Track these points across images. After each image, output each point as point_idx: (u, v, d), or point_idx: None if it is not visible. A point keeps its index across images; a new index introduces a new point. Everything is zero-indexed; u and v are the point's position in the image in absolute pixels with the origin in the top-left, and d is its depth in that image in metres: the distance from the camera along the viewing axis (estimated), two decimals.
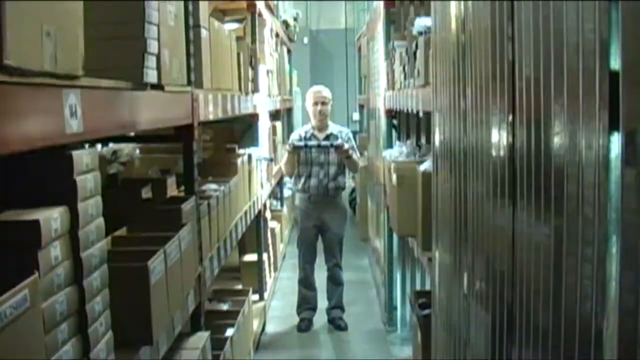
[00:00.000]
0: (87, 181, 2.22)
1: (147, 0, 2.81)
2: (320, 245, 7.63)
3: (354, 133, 8.42)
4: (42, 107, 1.83)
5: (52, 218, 2.00)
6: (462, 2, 2.81)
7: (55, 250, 2.01)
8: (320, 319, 7.56)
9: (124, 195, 3.58)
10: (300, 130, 7.68)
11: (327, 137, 7.42)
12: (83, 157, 2.19)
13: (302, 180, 7.43)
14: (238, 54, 5.53)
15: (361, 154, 8.93)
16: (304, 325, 7.42)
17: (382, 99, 7.63)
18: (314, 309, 7.58)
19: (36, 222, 1.92)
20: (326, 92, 7.65)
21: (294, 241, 9.67)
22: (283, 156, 7.69)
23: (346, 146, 7.23)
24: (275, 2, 10.00)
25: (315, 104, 7.53)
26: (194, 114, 3.76)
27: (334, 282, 7.55)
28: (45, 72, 1.82)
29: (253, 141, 7.28)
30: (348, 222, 7.99)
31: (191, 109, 3.71)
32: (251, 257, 7.69)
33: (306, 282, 7.54)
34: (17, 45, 1.63)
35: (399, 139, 7.28)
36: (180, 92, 3.50)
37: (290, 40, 12.89)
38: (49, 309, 1.94)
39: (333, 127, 7.59)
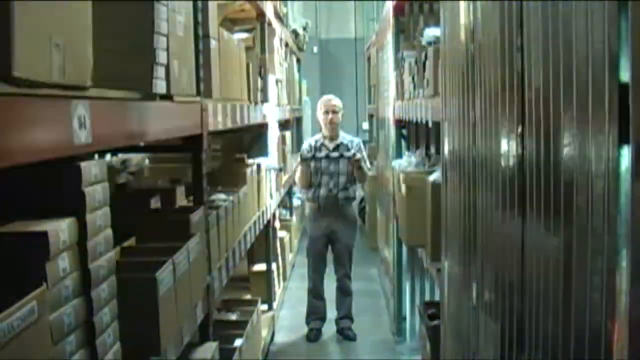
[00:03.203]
0: (96, 192, 2.22)
1: (156, 11, 2.81)
2: (330, 255, 7.62)
3: (364, 143, 8.42)
4: (51, 118, 1.83)
5: (60, 229, 2.00)
6: (472, 13, 2.81)
7: (64, 261, 2.01)
8: (329, 328, 7.54)
9: (132, 205, 3.57)
10: (310, 140, 7.69)
11: (338, 147, 7.44)
12: (91, 168, 2.19)
13: (312, 189, 7.44)
14: (247, 64, 5.54)
15: (370, 163, 8.90)
16: (313, 335, 7.41)
17: (391, 108, 7.62)
18: (323, 318, 7.56)
19: (44, 234, 1.91)
20: (336, 101, 7.65)
21: (303, 251, 9.64)
22: (296, 169, 7.68)
23: (358, 156, 7.27)
24: (285, 11, 10.01)
25: (326, 112, 7.55)
26: (203, 124, 3.76)
27: (343, 292, 7.54)
28: (53, 83, 1.82)
29: (262, 151, 7.28)
30: (358, 231, 7.98)
31: (200, 119, 3.71)
32: (260, 267, 7.67)
33: (315, 292, 7.53)
34: (26, 56, 1.63)
35: (408, 149, 7.27)
36: (190, 103, 3.50)
37: (300, 49, 12.89)
38: (57, 321, 1.94)
39: (344, 137, 7.60)
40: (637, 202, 1.34)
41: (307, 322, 7.54)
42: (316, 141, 7.56)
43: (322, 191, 7.38)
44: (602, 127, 1.45)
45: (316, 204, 7.45)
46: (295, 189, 11.61)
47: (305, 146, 7.64)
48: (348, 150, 7.39)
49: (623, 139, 1.36)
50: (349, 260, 7.59)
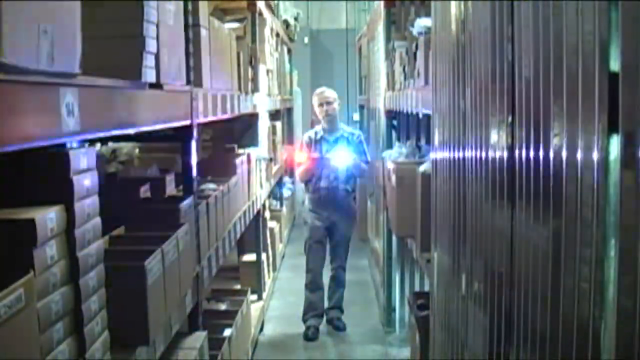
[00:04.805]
0: (84, 180, 2.21)
1: None
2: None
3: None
4: (39, 105, 1.82)
5: (48, 217, 1.99)
6: (462, 3, 2.80)
7: (51, 249, 2.00)
8: None
9: (122, 194, 3.57)
10: (310, 132, 7.62)
11: (337, 140, 7.40)
12: (80, 156, 2.18)
13: (313, 181, 7.39)
14: (238, 54, 5.52)
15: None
16: (311, 333, 7.23)
17: (382, 99, 7.62)
18: (320, 315, 7.42)
19: (32, 221, 1.91)
20: (329, 92, 7.58)
21: (293, 241, 9.63)
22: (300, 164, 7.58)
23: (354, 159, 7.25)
24: (276, 1, 9.99)
25: (321, 105, 7.48)
26: (193, 113, 3.75)
27: (337, 283, 7.51)
28: (41, 70, 1.81)
29: (252, 141, 7.26)
30: (356, 224, 7.93)
31: (190, 108, 3.70)
32: (250, 257, 7.68)
33: (314, 285, 7.40)
34: (14, 43, 1.62)
35: (398, 139, 7.27)
36: (179, 92, 3.49)
37: (291, 40, 12.88)
38: (45, 309, 1.94)
39: (344, 129, 7.57)
40: (626, 192, 1.34)
41: (304, 320, 7.37)
42: (316, 133, 7.51)
43: (323, 183, 7.32)
44: (591, 117, 1.44)
45: (317, 196, 7.39)
46: (286, 179, 11.62)
47: (305, 138, 7.59)
48: (348, 143, 7.37)
49: (612, 128, 1.36)
50: (346, 252, 7.56)
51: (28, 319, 1.77)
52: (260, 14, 7.73)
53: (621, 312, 1.36)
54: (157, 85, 3.01)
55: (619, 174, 1.35)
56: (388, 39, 7.13)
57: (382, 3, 7.42)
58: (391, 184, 5.31)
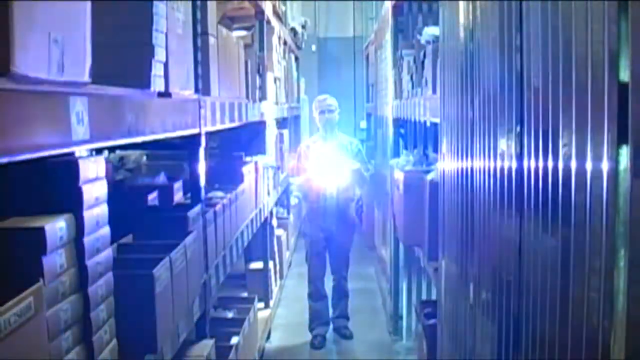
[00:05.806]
0: (94, 189, 2.21)
1: (155, 8, 2.81)
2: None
3: (361, 142, 8.36)
4: (49, 114, 1.83)
5: (58, 226, 1.99)
6: (471, 12, 2.81)
7: (61, 258, 2.00)
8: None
9: (130, 201, 3.57)
10: (308, 141, 7.59)
11: (336, 148, 7.36)
12: (89, 165, 2.19)
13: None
14: (246, 62, 5.53)
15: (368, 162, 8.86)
16: (318, 342, 7.23)
17: (389, 107, 7.62)
18: (327, 323, 7.42)
19: (41, 230, 1.91)
20: (332, 100, 7.53)
21: (300, 249, 9.61)
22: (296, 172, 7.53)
23: (356, 165, 7.21)
24: (284, 9, 10.00)
25: (322, 112, 7.45)
26: (201, 121, 3.75)
27: (340, 293, 7.48)
28: (52, 79, 1.81)
29: (260, 149, 7.26)
30: (355, 233, 7.92)
31: (198, 116, 3.70)
32: (257, 265, 7.67)
33: (317, 295, 7.39)
34: (24, 52, 1.63)
35: (406, 147, 7.27)
36: (188, 100, 3.49)
37: (298, 47, 12.89)
38: (54, 317, 1.94)
39: (342, 138, 7.54)
40: (636, 202, 1.34)
41: (311, 329, 7.36)
42: (314, 142, 7.49)
43: (323, 192, 7.33)
44: (601, 127, 1.44)
45: (316, 206, 7.37)
46: (293, 187, 11.61)
47: (303, 147, 7.55)
48: (347, 152, 7.34)
49: (622, 139, 1.36)
50: (346, 262, 7.52)
51: (37, 328, 1.77)
52: (268, 22, 7.74)
53: (631, 323, 1.35)
54: (165, 94, 3.01)
55: (629, 184, 1.35)
56: (396, 47, 7.14)
57: (389, 12, 7.43)
58: (398, 192, 5.31)
